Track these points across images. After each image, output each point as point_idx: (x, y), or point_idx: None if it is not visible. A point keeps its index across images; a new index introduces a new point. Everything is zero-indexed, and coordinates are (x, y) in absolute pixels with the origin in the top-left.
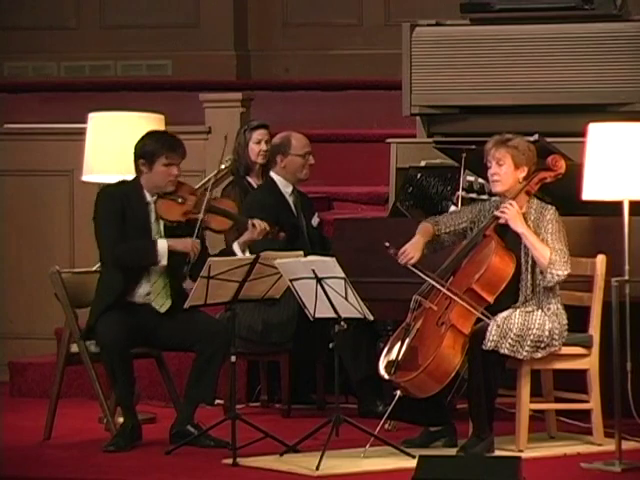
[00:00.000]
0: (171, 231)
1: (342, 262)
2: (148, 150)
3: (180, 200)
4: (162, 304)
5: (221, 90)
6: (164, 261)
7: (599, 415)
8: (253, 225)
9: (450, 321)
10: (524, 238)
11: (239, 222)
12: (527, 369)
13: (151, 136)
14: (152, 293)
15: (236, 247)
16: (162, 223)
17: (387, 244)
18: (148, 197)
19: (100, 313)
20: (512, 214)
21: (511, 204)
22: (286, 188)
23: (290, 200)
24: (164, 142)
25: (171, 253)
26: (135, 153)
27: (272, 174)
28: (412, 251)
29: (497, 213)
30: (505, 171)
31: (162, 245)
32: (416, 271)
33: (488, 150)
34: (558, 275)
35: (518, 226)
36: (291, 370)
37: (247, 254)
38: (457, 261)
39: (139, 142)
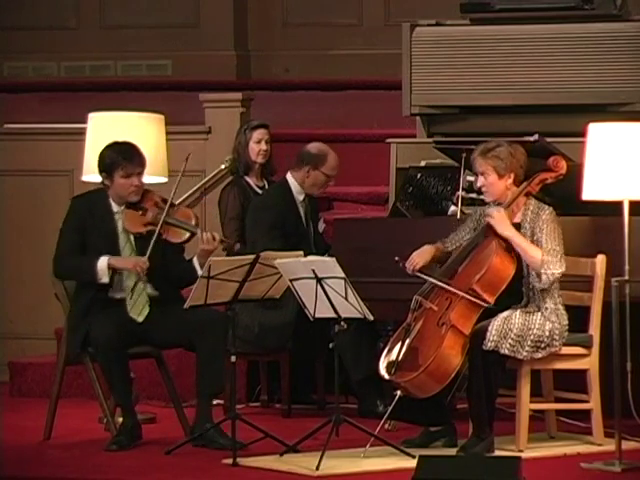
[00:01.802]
0: (139, 241)
1: (342, 262)
2: (106, 163)
3: (141, 212)
4: (138, 313)
5: (221, 90)
6: (105, 279)
7: (599, 415)
8: (201, 238)
9: (451, 321)
10: (512, 242)
11: (194, 234)
12: (527, 369)
13: (109, 148)
14: (128, 302)
15: (195, 261)
16: (131, 234)
17: (397, 259)
18: (115, 207)
19: (82, 312)
20: (498, 219)
21: (498, 210)
22: (299, 195)
23: (301, 207)
24: (119, 153)
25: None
26: (98, 165)
27: (289, 177)
28: (417, 257)
29: (486, 219)
30: (490, 182)
31: (102, 264)
32: (422, 276)
33: (472, 161)
34: (553, 274)
35: (505, 230)
36: (291, 370)
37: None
38: (458, 262)
39: (99, 155)
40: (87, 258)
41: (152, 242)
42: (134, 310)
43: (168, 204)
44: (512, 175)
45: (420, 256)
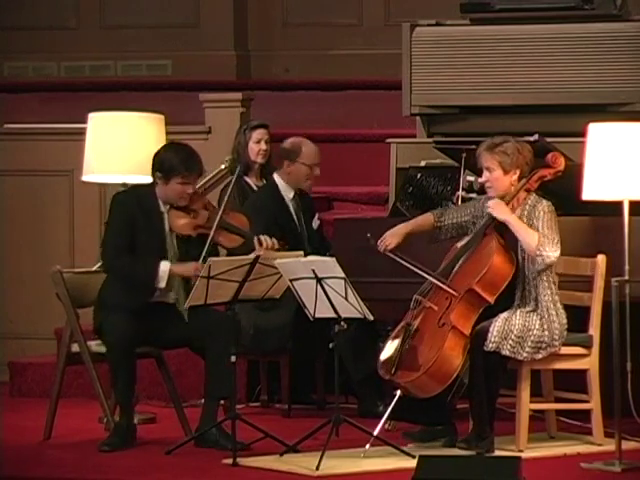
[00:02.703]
0: (183, 243)
1: (342, 262)
2: (166, 166)
3: (192, 214)
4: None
5: (221, 90)
6: (162, 284)
7: (599, 415)
8: (259, 242)
9: (451, 322)
10: (509, 225)
11: (250, 239)
12: (527, 369)
13: (171, 150)
14: (174, 295)
15: None
16: (175, 234)
17: (369, 235)
18: (162, 206)
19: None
20: (495, 204)
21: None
22: (287, 193)
23: (291, 205)
24: (182, 160)
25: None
26: (153, 163)
27: (275, 177)
28: (389, 237)
29: (487, 210)
30: (495, 177)
31: (164, 268)
32: (395, 257)
33: (478, 156)
34: (548, 257)
35: (502, 214)
36: (291, 370)
37: None
38: (457, 260)
39: (158, 154)
40: (146, 259)
41: (207, 246)
42: (181, 304)
43: (222, 207)
44: (517, 171)
45: (393, 236)
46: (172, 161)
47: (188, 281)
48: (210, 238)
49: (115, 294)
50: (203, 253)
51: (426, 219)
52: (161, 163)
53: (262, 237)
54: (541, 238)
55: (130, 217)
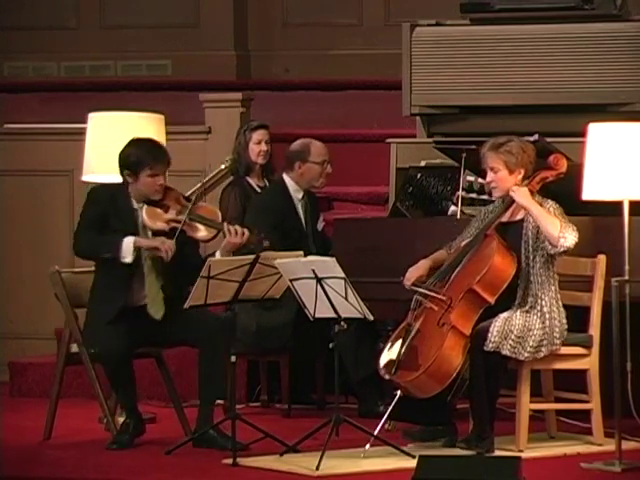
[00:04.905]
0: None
1: (342, 262)
2: (132, 161)
3: (164, 208)
4: (157, 310)
5: (221, 90)
6: (129, 258)
7: (599, 415)
8: (229, 231)
9: (451, 322)
10: (530, 212)
11: (220, 230)
12: (527, 369)
13: (135, 146)
14: (148, 298)
15: (218, 255)
16: (148, 230)
17: (401, 278)
18: (135, 204)
19: (99, 324)
20: (518, 189)
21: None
22: (297, 193)
23: (299, 205)
24: (148, 153)
25: (162, 259)
26: (119, 162)
27: (285, 177)
28: (409, 273)
29: (510, 193)
30: (500, 177)
31: (128, 241)
32: (416, 289)
33: (482, 156)
34: (571, 239)
35: (524, 199)
36: (291, 370)
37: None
38: (458, 261)
39: (123, 151)
40: (111, 235)
41: (175, 238)
42: (153, 308)
43: (192, 201)
44: (522, 171)
45: (413, 271)
46: (137, 155)
47: (164, 286)
48: (178, 230)
49: (97, 303)
50: (173, 242)
51: (441, 254)
52: (127, 159)
53: (231, 227)
54: (562, 223)
55: (102, 212)
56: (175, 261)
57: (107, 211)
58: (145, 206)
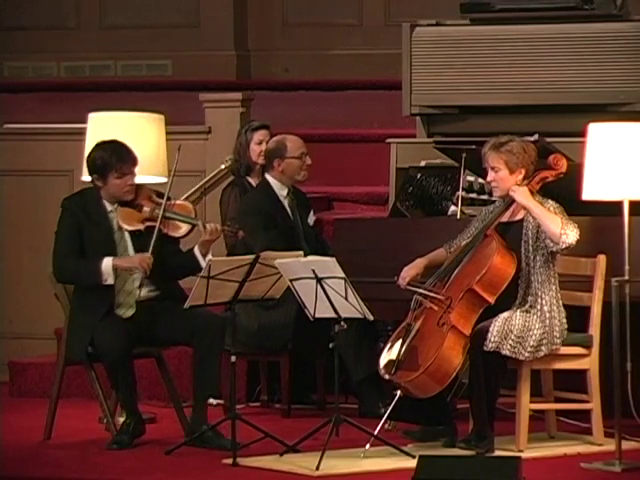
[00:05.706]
0: (136, 238)
1: (342, 262)
2: (98, 165)
3: (137, 208)
4: (125, 311)
5: (221, 90)
6: (110, 280)
7: (599, 415)
8: (204, 227)
9: (451, 322)
10: (531, 211)
11: (195, 225)
12: (527, 369)
13: (99, 149)
14: (117, 297)
15: (196, 251)
16: (125, 232)
17: (395, 278)
18: (109, 206)
19: (86, 329)
20: (519, 189)
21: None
22: (281, 191)
23: (285, 202)
24: (112, 154)
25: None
26: (87, 167)
27: (267, 177)
28: (404, 272)
29: (510, 193)
30: (501, 177)
31: (107, 265)
32: (412, 289)
33: (483, 155)
34: (574, 235)
35: (524, 198)
36: (291, 370)
37: (209, 257)
38: (458, 261)
39: (89, 156)
40: (90, 261)
41: (154, 237)
42: (122, 309)
43: (165, 198)
44: (523, 171)
45: (408, 270)
46: (103, 158)
47: (141, 285)
48: (157, 229)
49: (81, 309)
50: (151, 244)
51: (439, 253)
52: (93, 164)
53: (207, 223)
54: (563, 220)
55: (77, 221)
56: (160, 258)
57: (81, 220)
58: (119, 207)
